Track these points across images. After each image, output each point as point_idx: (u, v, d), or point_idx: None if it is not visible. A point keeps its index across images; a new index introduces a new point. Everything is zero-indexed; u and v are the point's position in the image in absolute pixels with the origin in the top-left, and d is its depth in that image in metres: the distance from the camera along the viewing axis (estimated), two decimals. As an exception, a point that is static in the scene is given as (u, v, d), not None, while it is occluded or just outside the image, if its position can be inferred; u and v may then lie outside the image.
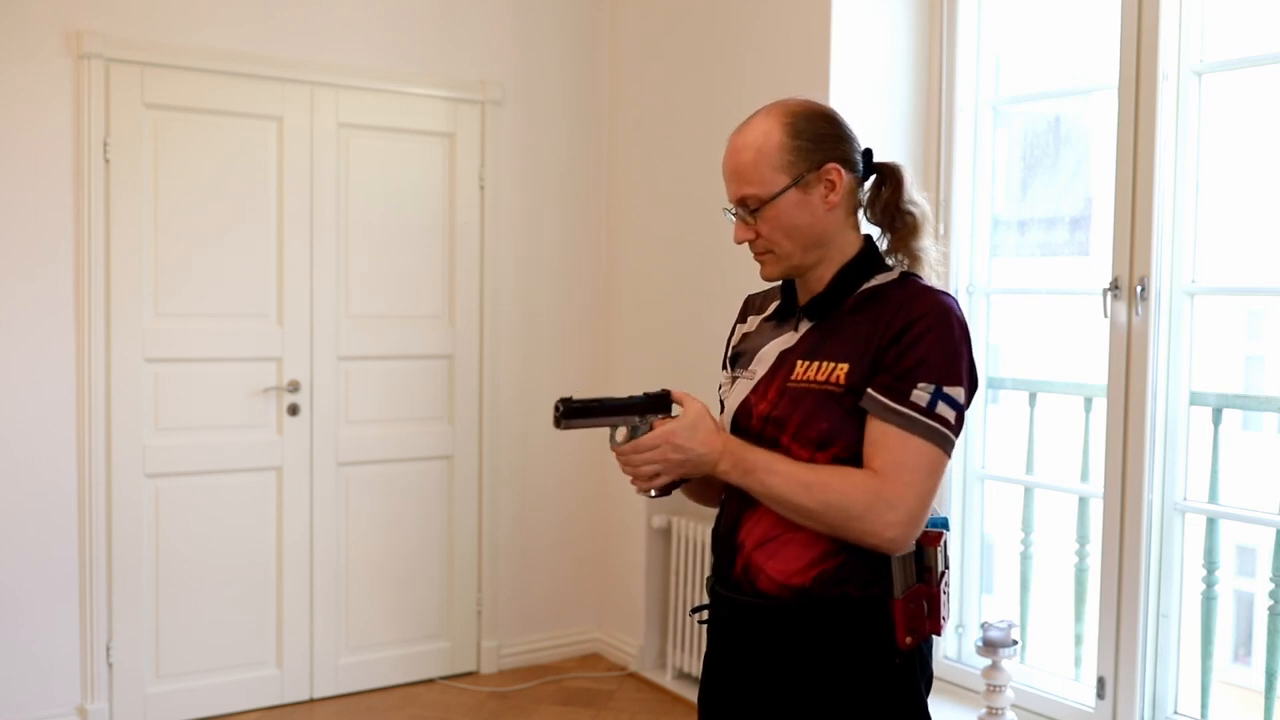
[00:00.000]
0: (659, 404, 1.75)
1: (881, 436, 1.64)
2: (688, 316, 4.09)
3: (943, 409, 1.63)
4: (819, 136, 1.72)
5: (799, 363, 1.73)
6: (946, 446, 1.64)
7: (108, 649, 3.69)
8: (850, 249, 1.77)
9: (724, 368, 1.97)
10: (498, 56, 4.29)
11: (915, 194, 1.79)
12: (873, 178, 1.80)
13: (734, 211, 1.76)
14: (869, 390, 1.65)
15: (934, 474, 1.64)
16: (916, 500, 1.62)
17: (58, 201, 3.57)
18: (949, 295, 1.72)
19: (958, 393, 1.64)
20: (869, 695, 1.70)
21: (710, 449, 1.69)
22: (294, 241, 3.94)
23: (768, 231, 1.73)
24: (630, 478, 1.73)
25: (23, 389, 3.55)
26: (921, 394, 1.62)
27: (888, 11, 3.52)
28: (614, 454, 1.73)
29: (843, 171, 1.72)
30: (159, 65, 3.69)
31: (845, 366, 1.68)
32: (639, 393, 1.76)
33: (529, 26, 4.35)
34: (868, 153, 1.79)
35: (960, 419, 1.66)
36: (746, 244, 1.78)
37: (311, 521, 4.02)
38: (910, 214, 1.77)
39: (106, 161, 3.62)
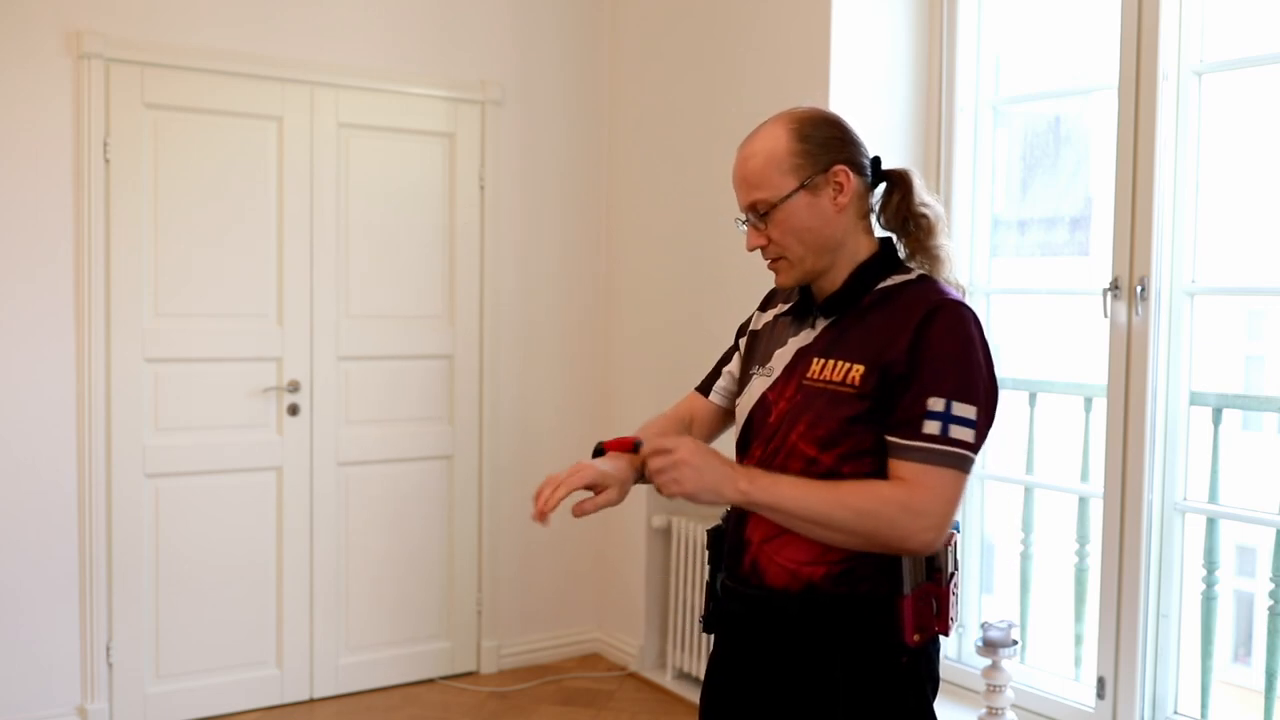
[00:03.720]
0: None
1: (901, 467, 1.65)
2: (688, 316, 4.09)
3: (956, 431, 1.63)
4: (825, 140, 1.74)
5: (815, 360, 1.74)
6: (965, 465, 1.65)
7: (108, 649, 3.69)
8: (863, 252, 1.78)
9: (737, 336, 2.00)
10: (498, 56, 4.29)
11: (926, 196, 1.81)
12: (883, 185, 1.82)
13: (745, 220, 1.78)
14: (886, 437, 1.66)
15: (957, 489, 1.65)
16: (945, 505, 1.64)
17: (58, 201, 3.57)
18: (964, 304, 1.72)
19: (968, 410, 1.64)
20: (875, 693, 1.71)
21: (726, 463, 1.68)
22: (294, 241, 3.94)
23: (779, 236, 1.74)
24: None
25: (23, 389, 3.55)
26: (933, 424, 1.63)
27: (888, 11, 3.52)
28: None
29: (850, 174, 1.74)
30: (159, 65, 3.69)
31: (861, 369, 1.68)
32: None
33: (529, 26, 4.35)
34: (876, 160, 1.81)
35: (980, 434, 1.66)
36: (758, 252, 1.80)
37: (311, 521, 4.02)
38: (924, 216, 1.79)
39: (106, 161, 3.62)
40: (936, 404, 1.63)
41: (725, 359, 2.03)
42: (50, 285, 3.57)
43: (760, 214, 1.74)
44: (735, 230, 1.86)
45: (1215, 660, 3.07)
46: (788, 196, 1.71)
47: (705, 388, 2.03)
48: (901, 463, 1.64)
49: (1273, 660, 2.92)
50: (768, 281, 2.03)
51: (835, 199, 1.73)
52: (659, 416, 2.02)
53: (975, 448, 1.65)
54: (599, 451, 1.80)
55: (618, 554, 4.49)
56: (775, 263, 1.78)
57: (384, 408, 4.15)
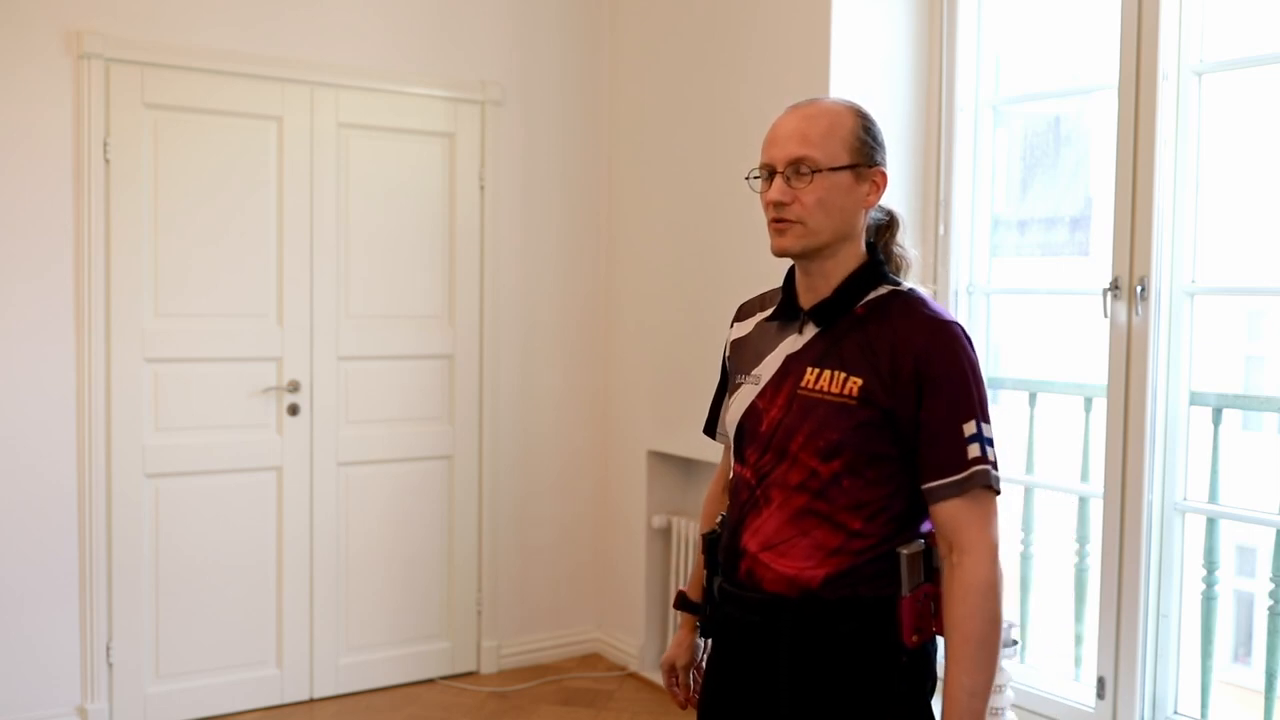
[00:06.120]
0: None
1: (948, 514, 1.68)
2: (688, 316, 4.08)
3: (988, 451, 1.68)
4: (879, 141, 1.79)
5: (808, 369, 1.74)
6: (996, 483, 1.69)
7: (108, 649, 3.69)
8: (856, 257, 1.79)
9: (727, 380, 1.95)
10: (498, 56, 4.29)
11: (905, 240, 1.87)
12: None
13: (769, 174, 1.75)
14: (926, 486, 1.69)
15: (995, 510, 1.70)
16: (993, 537, 1.68)
17: (58, 202, 3.57)
18: (957, 323, 1.75)
19: (990, 430, 1.70)
20: (875, 694, 1.71)
21: None
22: (294, 241, 3.94)
23: (809, 201, 1.72)
24: None
25: (23, 389, 3.55)
26: (973, 447, 1.67)
27: (888, 11, 3.52)
28: None
29: (885, 180, 1.78)
30: (159, 65, 3.69)
31: (859, 381, 1.69)
32: None
33: (529, 26, 4.35)
34: None
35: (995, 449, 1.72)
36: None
37: (311, 521, 4.02)
38: (897, 256, 1.86)
39: (106, 161, 3.62)
40: (970, 428, 1.67)
41: (720, 395, 2.00)
42: (50, 285, 3.57)
43: (800, 172, 1.72)
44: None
45: (1215, 660, 3.07)
46: (839, 169, 1.72)
47: (710, 430, 2.03)
48: (945, 505, 1.67)
49: (1273, 660, 2.92)
50: (767, 281, 2.03)
51: (867, 196, 1.77)
52: (712, 482, 2.08)
53: (998, 463, 1.70)
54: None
55: (618, 554, 4.49)
56: (788, 225, 1.73)
57: (384, 408, 4.15)
